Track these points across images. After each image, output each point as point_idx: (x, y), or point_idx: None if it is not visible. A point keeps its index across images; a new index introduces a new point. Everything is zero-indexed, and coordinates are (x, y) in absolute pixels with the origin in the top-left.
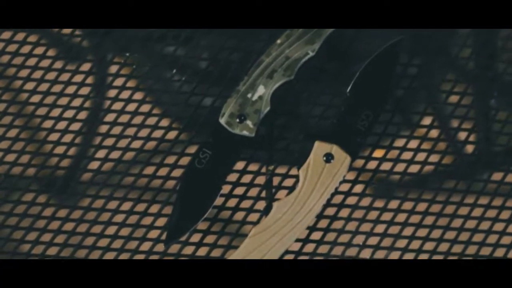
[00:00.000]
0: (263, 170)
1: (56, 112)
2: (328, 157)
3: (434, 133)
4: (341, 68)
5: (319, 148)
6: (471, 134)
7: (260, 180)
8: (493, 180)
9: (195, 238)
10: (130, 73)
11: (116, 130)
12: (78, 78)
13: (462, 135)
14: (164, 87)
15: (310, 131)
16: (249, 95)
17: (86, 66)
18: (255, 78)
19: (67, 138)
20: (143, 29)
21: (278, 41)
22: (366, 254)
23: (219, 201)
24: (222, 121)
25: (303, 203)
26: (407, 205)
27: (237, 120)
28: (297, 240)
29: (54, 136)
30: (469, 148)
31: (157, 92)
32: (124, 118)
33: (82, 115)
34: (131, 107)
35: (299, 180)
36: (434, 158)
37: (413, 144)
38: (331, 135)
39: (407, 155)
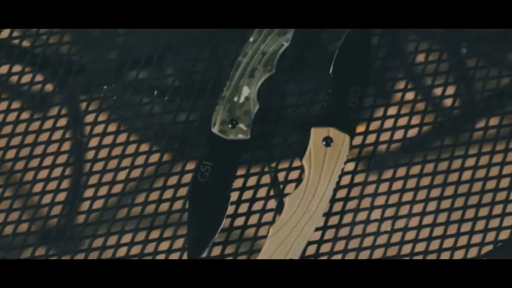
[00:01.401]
0: (266, 169)
1: (34, 162)
2: (328, 141)
3: (410, 95)
4: (318, 52)
5: (316, 134)
6: (446, 88)
7: (266, 179)
8: (478, 128)
9: (216, 251)
10: (104, 106)
11: (112, 164)
12: (48, 124)
13: (438, 91)
14: (148, 111)
15: (304, 120)
16: (235, 99)
17: (53, 111)
18: (237, 80)
19: (52, 185)
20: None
21: (251, 39)
22: (387, 226)
23: (230, 209)
24: (215, 130)
25: (314, 191)
26: (415, 169)
27: (230, 125)
28: (317, 229)
29: (38, 187)
30: (448, 102)
31: (143, 117)
32: (117, 151)
33: (62, 159)
34: (122, 137)
35: (304, 170)
36: (416, 119)
37: (393, 110)
38: (325, 119)
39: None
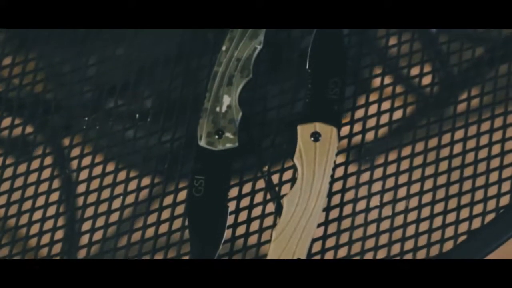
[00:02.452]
0: (259, 174)
1: (28, 204)
2: (316, 136)
3: (388, 79)
4: (291, 49)
5: (303, 131)
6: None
7: (261, 184)
8: (461, 100)
9: None
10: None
11: (105, 193)
12: (35, 164)
13: (416, 70)
14: (133, 136)
15: (288, 119)
16: (217, 109)
17: (38, 150)
18: (216, 90)
19: (49, 224)
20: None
21: (224, 48)
22: (388, 211)
23: (230, 219)
24: (203, 143)
25: (310, 188)
26: (406, 150)
27: (216, 136)
28: (319, 225)
29: (35, 228)
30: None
31: (129, 142)
32: (108, 180)
33: (54, 196)
34: (111, 166)
35: (297, 169)
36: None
37: (375, 96)
38: (310, 115)
39: (373, 109)
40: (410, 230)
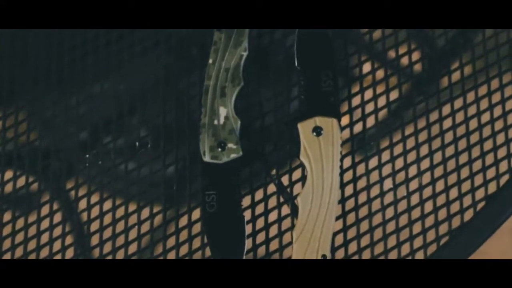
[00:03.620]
0: (269, 178)
1: (44, 252)
2: (318, 130)
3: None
4: (277, 49)
5: (304, 128)
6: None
7: (272, 188)
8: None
9: None
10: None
11: (119, 227)
12: (45, 223)
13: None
14: (137, 165)
15: (287, 119)
16: (215, 122)
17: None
18: (211, 104)
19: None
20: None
21: (210, 61)
22: (402, 191)
23: (248, 229)
24: (207, 158)
25: (322, 183)
26: (409, 129)
27: (219, 149)
28: (337, 218)
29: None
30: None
31: (133, 172)
32: (120, 212)
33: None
34: (120, 198)
35: (305, 166)
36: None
37: (368, 81)
38: (308, 111)
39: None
40: (428, 207)
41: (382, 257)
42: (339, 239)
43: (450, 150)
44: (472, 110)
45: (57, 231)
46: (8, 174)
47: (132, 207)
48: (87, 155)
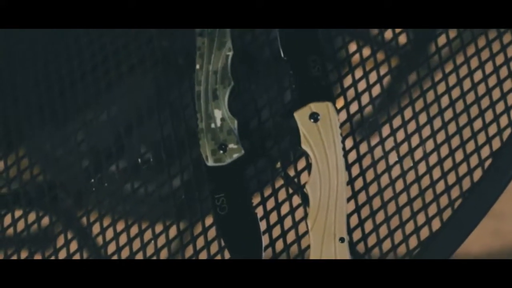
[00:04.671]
0: (274, 172)
1: None
2: (314, 116)
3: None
4: (261, 44)
5: (301, 116)
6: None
7: (279, 181)
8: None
9: None
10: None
11: (136, 244)
12: (62, 253)
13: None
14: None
15: (283, 111)
16: (212, 125)
17: (60, 241)
18: (205, 108)
19: None
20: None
21: (197, 66)
22: (408, 162)
23: (263, 225)
24: (210, 163)
25: (327, 167)
26: (405, 100)
27: (221, 151)
28: (349, 199)
29: None
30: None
31: (140, 190)
32: (134, 231)
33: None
34: (131, 219)
35: (308, 154)
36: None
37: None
38: (301, 99)
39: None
40: (436, 173)
41: (399, 230)
42: (354, 219)
43: (449, 114)
44: (463, 71)
45: (75, 258)
46: (18, 213)
47: (145, 224)
48: (92, 180)
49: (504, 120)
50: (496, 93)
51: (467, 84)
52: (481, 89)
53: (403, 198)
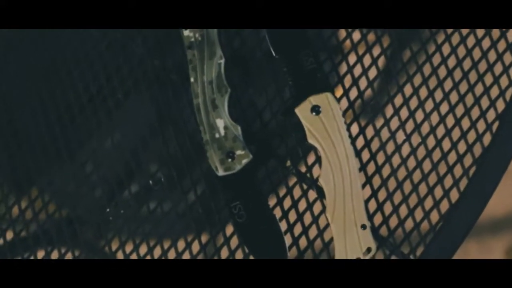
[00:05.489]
0: (285, 171)
1: None
2: (316, 109)
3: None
4: (251, 46)
5: (302, 111)
6: None
7: (293, 179)
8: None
9: None
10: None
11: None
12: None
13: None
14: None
15: (283, 109)
16: (217, 135)
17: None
18: (206, 119)
19: None
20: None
21: (192, 79)
22: (417, 139)
23: (283, 225)
24: (221, 172)
25: (337, 157)
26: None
27: (229, 159)
28: (363, 185)
29: None
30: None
31: (156, 210)
32: (158, 252)
33: None
34: (152, 241)
35: (316, 147)
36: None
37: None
38: (300, 94)
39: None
40: (446, 145)
41: (418, 208)
42: (372, 204)
43: (448, 84)
44: (455, 39)
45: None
46: (40, 253)
47: (167, 243)
48: (108, 210)
49: (504, 81)
50: (491, 56)
51: (461, 51)
52: (476, 53)
53: (417, 175)
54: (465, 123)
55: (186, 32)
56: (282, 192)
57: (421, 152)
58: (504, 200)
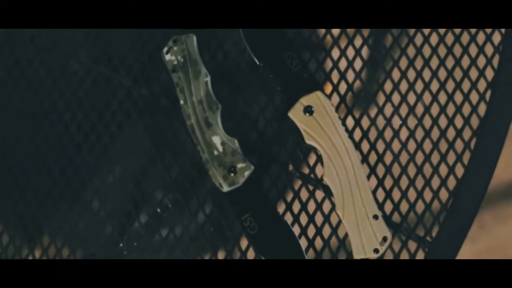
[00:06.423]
0: (289, 176)
1: None
2: (308, 109)
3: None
4: (235, 60)
5: (295, 114)
6: None
7: (297, 183)
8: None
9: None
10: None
11: None
12: None
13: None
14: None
15: (277, 116)
16: (215, 152)
17: None
18: (202, 139)
19: None
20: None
21: (181, 102)
22: (413, 122)
23: (296, 230)
24: (226, 188)
25: (337, 153)
26: (388, 64)
27: (232, 174)
28: (368, 176)
29: None
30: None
31: (169, 236)
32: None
33: None
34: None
35: (315, 147)
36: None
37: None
38: (290, 98)
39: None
40: (443, 122)
41: (426, 189)
42: (380, 193)
43: (434, 62)
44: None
45: None
46: None
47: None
48: (121, 244)
49: (489, 49)
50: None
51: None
52: (457, 29)
53: (419, 156)
54: (458, 97)
55: (168, 57)
56: (289, 197)
57: (419, 133)
58: None
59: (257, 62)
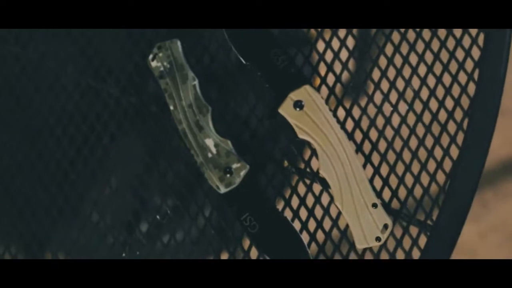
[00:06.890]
0: (285, 172)
1: None
2: (298, 104)
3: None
4: (221, 61)
5: (285, 109)
6: None
7: (294, 179)
8: None
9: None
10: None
11: None
12: None
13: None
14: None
15: (268, 114)
16: (209, 155)
17: None
18: (195, 142)
19: None
20: None
21: (171, 107)
22: (403, 109)
23: (297, 226)
24: (223, 190)
25: (330, 145)
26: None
27: (228, 175)
28: (364, 165)
29: None
30: None
31: (171, 243)
32: None
33: None
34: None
35: (308, 141)
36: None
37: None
38: (279, 94)
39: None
40: (433, 105)
41: (423, 173)
42: (377, 181)
43: (420, 46)
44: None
45: None
46: None
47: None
48: (124, 255)
49: (473, 29)
50: None
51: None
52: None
53: (413, 141)
54: (446, 79)
55: (154, 63)
56: (287, 193)
57: (411, 118)
58: (509, 141)
59: (244, 62)
